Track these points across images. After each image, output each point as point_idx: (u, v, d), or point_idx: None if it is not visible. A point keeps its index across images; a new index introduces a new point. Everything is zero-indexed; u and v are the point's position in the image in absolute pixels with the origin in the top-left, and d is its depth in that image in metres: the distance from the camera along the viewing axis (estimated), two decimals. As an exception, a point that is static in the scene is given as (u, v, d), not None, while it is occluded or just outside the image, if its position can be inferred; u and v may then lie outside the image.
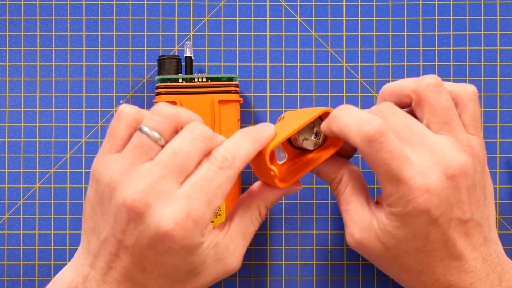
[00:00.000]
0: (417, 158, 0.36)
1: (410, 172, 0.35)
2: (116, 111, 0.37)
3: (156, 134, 0.35)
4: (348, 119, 0.36)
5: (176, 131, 0.36)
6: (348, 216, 0.40)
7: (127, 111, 0.37)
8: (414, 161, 0.36)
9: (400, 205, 0.36)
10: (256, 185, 0.41)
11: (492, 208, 0.39)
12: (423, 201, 0.35)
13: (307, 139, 0.42)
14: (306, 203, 0.49)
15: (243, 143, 0.36)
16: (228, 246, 0.38)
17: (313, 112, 0.40)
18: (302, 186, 0.43)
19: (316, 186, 0.49)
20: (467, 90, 0.39)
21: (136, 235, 0.34)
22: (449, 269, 0.37)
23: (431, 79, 0.38)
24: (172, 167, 0.34)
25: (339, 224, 0.49)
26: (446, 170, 0.36)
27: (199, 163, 0.36)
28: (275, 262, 0.49)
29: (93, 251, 0.37)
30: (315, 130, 0.42)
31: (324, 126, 0.39)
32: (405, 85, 0.39)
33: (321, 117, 0.41)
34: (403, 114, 0.38)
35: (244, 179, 0.49)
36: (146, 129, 0.35)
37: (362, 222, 0.39)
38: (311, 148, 0.42)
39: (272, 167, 0.38)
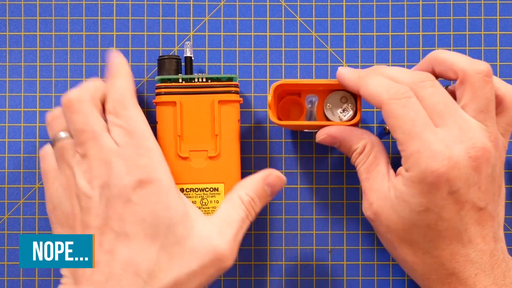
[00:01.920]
0: (445, 131, 0.37)
1: (433, 137, 0.36)
2: None
3: (62, 134, 0.41)
4: (377, 87, 0.38)
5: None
6: (368, 184, 0.40)
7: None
8: (440, 134, 0.36)
9: (419, 168, 0.36)
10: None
11: (503, 209, 0.39)
12: (442, 167, 0.35)
13: (331, 109, 0.43)
14: (306, 203, 0.49)
15: (119, 83, 0.41)
16: (212, 229, 0.39)
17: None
18: (286, 183, 0.43)
19: (316, 186, 0.49)
20: None
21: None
22: (455, 256, 0.37)
23: (483, 66, 0.38)
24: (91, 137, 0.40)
25: (339, 224, 0.49)
26: (471, 150, 0.36)
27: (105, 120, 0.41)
28: (275, 262, 0.49)
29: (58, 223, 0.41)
30: (344, 106, 0.43)
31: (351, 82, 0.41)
32: (457, 61, 0.39)
33: (355, 97, 0.43)
34: (441, 89, 0.38)
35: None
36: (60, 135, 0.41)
37: (381, 191, 0.39)
38: (330, 118, 0.43)
39: (269, 95, 0.41)
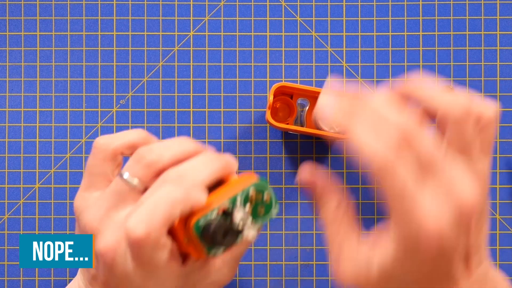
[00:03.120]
0: (430, 191, 0.34)
1: (423, 210, 0.33)
2: (94, 143, 0.36)
3: (135, 181, 0.35)
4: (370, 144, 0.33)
5: (158, 175, 0.35)
6: (338, 250, 0.36)
7: (101, 144, 0.36)
8: (427, 195, 0.33)
9: (408, 244, 0.33)
10: None
11: (487, 226, 0.39)
12: (433, 241, 0.33)
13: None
14: (306, 203, 0.49)
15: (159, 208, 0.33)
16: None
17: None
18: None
19: (316, 186, 0.49)
20: (491, 110, 0.37)
21: (112, 278, 0.35)
22: None
23: (460, 106, 0.35)
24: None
25: (339, 224, 0.49)
26: (459, 209, 0.34)
27: None
28: (275, 262, 0.49)
29: (89, 278, 0.38)
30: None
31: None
32: (433, 100, 0.36)
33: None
34: (427, 138, 0.35)
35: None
36: (125, 175, 0.35)
37: (356, 258, 0.35)
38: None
39: (271, 96, 0.40)
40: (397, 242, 0.34)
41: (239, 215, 0.32)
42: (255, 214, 0.33)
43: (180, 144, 0.36)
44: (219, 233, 0.32)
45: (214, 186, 0.34)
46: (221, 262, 0.37)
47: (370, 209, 0.49)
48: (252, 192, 0.33)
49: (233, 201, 0.32)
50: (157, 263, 0.34)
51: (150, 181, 0.35)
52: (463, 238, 0.35)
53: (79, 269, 0.39)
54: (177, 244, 0.34)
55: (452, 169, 0.34)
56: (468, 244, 0.35)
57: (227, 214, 0.32)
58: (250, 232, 0.33)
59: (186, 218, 0.32)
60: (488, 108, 0.36)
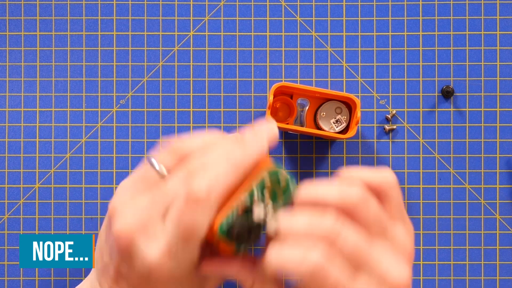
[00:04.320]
0: (364, 283, 0.34)
1: None
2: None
3: (160, 167, 0.35)
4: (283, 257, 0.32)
5: (184, 162, 0.35)
6: None
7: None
8: None
9: None
10: None
11: None
12: None
13: (324, 118, 0.42)
14: (306, 203, 0.49)
15: (221, 174, 0.33)
16: None
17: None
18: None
19: (316, 186, 0.49)
20: (387, 179, 0.36)
21: (127, 266, 0.35)
22: None
23: (354, 196, 0.34)
24: (161, 206, 0.34)
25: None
26: None
27: None
28: (275, 262, 0.49)
29: (100, 271, 0.37)
30: (338, 117, 0.43)
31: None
32: (329, 199, 0.34)
33: (349, 105, 0.42)
34: (347, 232, 0.34)
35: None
36: (152, 160, 0.35)
37: None
38: (323, 127, 0.43)
39: (271, 96, 0.38)
40: None
41: (259, 210, 0.33)
42: (274, 198, 0.33)
43: (208, 134, 0.36)
44: (243, 233, 0.32)
45: None
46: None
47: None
48: (267, 182, 0.33)
49: (251, 197, 0.33)
50: (197, 239, 0.33)
51: (175, 168, 0.35)
52: None
53: (97, 280, 0.38)
54: (207, 243, 0.34)
55: (377, 256, 0.34)
56: None
57: (247, 211, 0.33)
58: (272, 223, 0.33)
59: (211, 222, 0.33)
60: (383, 177, 0.36)
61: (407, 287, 0.34)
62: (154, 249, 0.33)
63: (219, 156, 0.34)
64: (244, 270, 0.35)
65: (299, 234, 0.33)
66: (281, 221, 0.33)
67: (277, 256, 0.32)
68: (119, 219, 0.34)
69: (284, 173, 0.34)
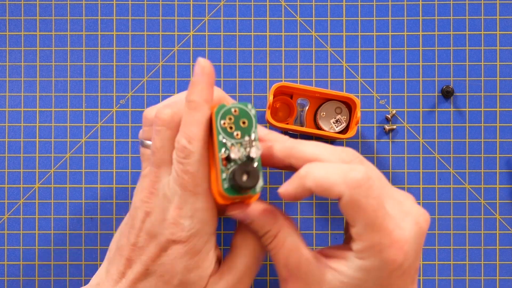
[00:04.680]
0: (390, 208, 0.35)
1: (391, 223, 0.33)
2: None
3: (147, 142, 0.38)
4: (327, 171, 0.33)
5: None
6: (288, 272, 0.36)
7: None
8: (389, 211, 0.34)
9: (376, 258, 0.34)
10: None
11: None
12: (400, 255, 0.34)
13: (324, 118, 0.42)
14: (306, 203, 0.49)
15: (192, 117, 0.34)
16: None
17: None
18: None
19: (316, 186, 0.49)
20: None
21: (144, 236, 0.36)
22: None
23: (360, 177, 0.33)
24: (158, 164, 0.36)
25: (339, 224, 0.49)
26: (417, 223, 0.35)
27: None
28: (275, 262, 0.49)
29: (111, 259, 0.38)
30: (338, 117, 0.43)
31: (292, 186, 0.34)
32: (333, 182, 0.33)
33: (349, 105, 0.42)
34: (370, 163, 0.36)
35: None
36: (140, 140, 0.39)
37: (311, 278, 0.35)
38: (323, 126, 0.43)
39: (271, 96, 0.40)
40: (364, 257, 0.34)
41: (237, 150, 0.33)
42: (242, 129, 0.34)
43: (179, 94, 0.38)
44: (244, 179, 0.33)
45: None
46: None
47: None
48: (223, 124, 0.33)
49: (224, 145, 0.33)
50: (201, 190, 0.34)
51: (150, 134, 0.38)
52: (419, 250, 0.35)
53: (104, 270, 0.38)
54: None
55: (396, 190, 0.37)
56: (420, 258, 0.36)
57: (230, 160, 0.33)
58: (256, 150, 0.34)
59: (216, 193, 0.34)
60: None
61: (428, 226, 0.36)
62: (168, 214, 0.35)
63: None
64: (267, 212, 0.36)
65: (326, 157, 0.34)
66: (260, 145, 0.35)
67: (322, 169, 0.33)
68: (135, 194, 0.37)
69: (231, 106, 0.34)
